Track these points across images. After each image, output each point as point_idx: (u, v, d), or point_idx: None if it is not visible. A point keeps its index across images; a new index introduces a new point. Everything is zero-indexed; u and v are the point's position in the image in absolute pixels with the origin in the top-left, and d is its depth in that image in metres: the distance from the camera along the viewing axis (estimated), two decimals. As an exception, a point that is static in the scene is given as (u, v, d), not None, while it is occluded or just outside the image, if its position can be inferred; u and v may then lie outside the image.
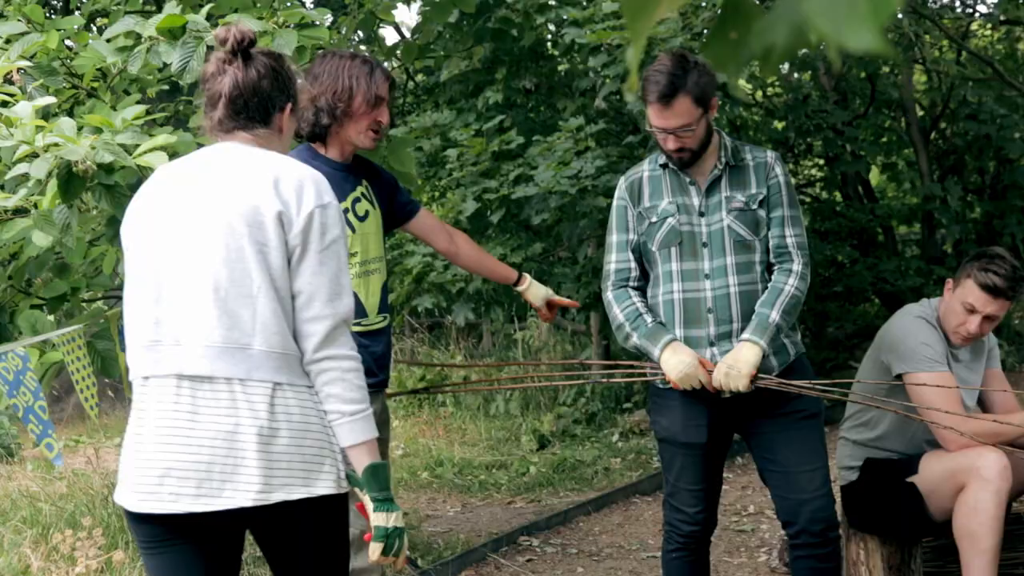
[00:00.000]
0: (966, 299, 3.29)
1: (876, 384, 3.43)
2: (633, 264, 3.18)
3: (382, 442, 3.12)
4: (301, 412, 2.14)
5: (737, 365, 2.97)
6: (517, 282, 3.48)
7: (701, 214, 3.12)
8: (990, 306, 3.27)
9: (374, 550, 2.18)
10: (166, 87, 4.44)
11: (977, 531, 3.12)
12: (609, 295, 3.19)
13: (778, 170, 3.16)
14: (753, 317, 3.06)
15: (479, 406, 7.97)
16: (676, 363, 3.00)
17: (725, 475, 5.47)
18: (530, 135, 7.13)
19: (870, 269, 9.26)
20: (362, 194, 3.14)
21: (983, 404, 3.51)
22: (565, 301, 3.56)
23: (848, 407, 3.59)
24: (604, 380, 3.48)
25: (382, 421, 3.17)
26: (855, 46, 0.57)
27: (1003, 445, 3.22)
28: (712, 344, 3.07)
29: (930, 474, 3.29)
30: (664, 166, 3.18)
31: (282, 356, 2.14)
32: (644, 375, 3.31)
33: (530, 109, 8.10)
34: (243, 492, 2.09)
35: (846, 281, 9.29)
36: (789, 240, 3.12)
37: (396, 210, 3.33)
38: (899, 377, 3.34)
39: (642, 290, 3.19)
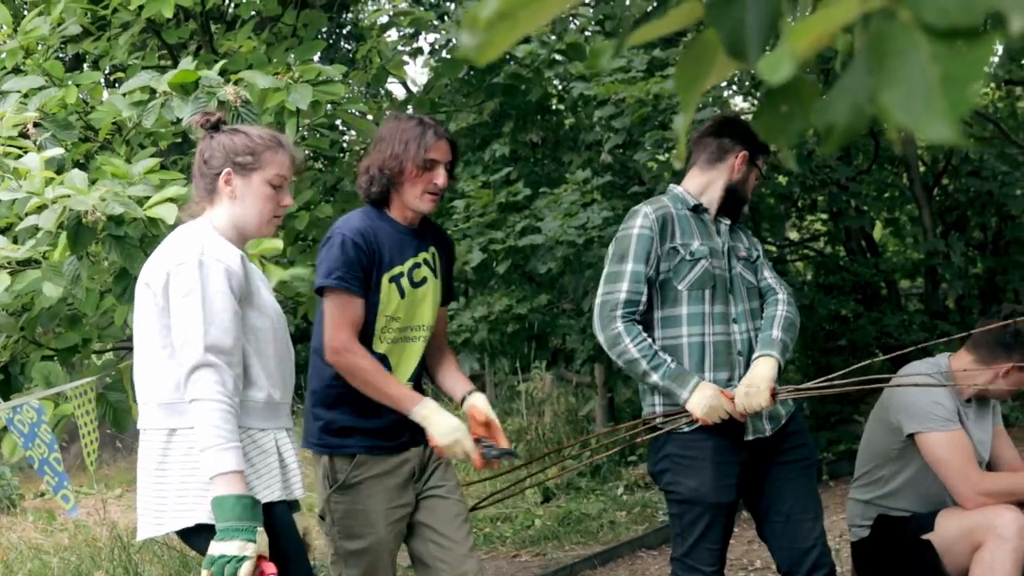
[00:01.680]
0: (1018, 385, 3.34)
1: (887, 447, 3.43)
2: (644, 298, 3.11)
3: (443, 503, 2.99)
4: (189, 453, 2.39)
5: (755, 382, 3.02)
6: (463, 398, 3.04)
7: (728, 258, 3.20)
8: None
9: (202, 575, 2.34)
10: (178, 140, 4.49)
11: (992, 590, 3.10)
12: (619, 326, 3.07)
13: (749, 232, 3.42)
14: (758, 341, 3.16)
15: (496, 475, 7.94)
16: (700, 399, 3.01)
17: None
18: (536, 188, 7.17)
19: (874, 323, 9.26)
20: (425, 260, 3.02)
21: (991, 462, 3.50)
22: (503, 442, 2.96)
23: (858, 465, 3.57)
24: (640, 440, 3.37)
25: (443, 480, 3.02)
26: (932, 138, 0.59)
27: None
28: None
29: (946, 532, 3.27)
30: (695, 208, 3.22)
31: (171, 405, 2.42)
32: (657, 428, 3.19)
33: (536, 162, 8.15)
34: (144, 524, 2.47)
35: (850, 335, 9.29)
36: (771, 279, 3.31)
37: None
38: (911, 437, 3.34)
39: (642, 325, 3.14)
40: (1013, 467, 3.50)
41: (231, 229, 2.58)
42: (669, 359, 3.07)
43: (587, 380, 8.73)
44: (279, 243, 3.40)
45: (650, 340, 3.09)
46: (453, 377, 3.10)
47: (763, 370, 3.05)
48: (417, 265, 2.98)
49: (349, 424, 2.90)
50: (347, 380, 2.82)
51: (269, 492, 2.45)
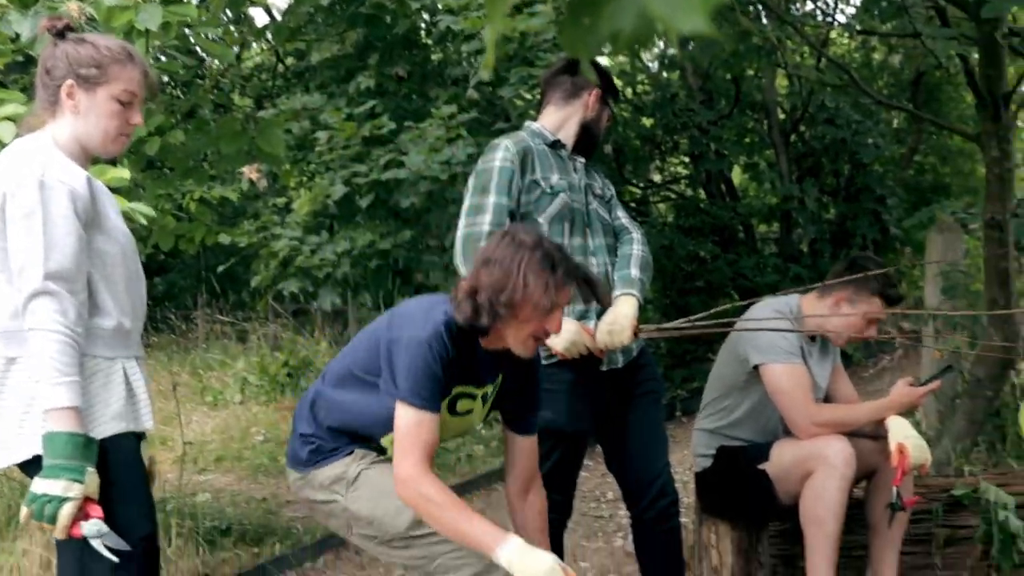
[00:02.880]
0: (871, 314, 3.45)
1: (734, 377, 3.54)
2: None
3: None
4: (29, 383, 2.24)
5: (618, 320, 3.07)
6: None
7: (584, 194, 3.25)
8: (884, 313, 3.48)
9: (22, 514, 2.21)
10: (19, 59, 4.27)
11: (822, 516, 3.25)
12: None
13: (602, 173, 3.48)
14: (616, 280, 3.20)
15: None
16: (562, 333, 3.00)
17: (586, 462, 5.57)
18: (401, 122, 7.10)
19: (730, 265, 9.54)
20: (483, 395, 2.62)
21: (828, 397, 3.65)
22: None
23: (705, 394, 3.69)
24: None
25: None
26: (687, 30, 0.60)
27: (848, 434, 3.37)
28: (598, 317, 3.15)
29: (780, 461, 3.41)
30: (553, 144, 3.26)
31: (10, 333, 2.28)
32: None
33: (402, 97, 8.08)
34: None
35: (707, 276, 9.55)
36: (624, 219, 3.38)
37: (510, 410, 2.74)
38: (756, 368, 3.45)
39: None
40: (849, 402, 3.66)
41: (74, 144, 2.42)
42: None
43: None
44: (126, 173, 3.26)
45: None
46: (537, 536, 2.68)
47: (625, 308, 3.10)
48: (469, 395, 2.59)
49: (343, 443, 2.61)
50: (415, 510, 2.44)
51: (115, 423, 2.33)
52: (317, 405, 2.66)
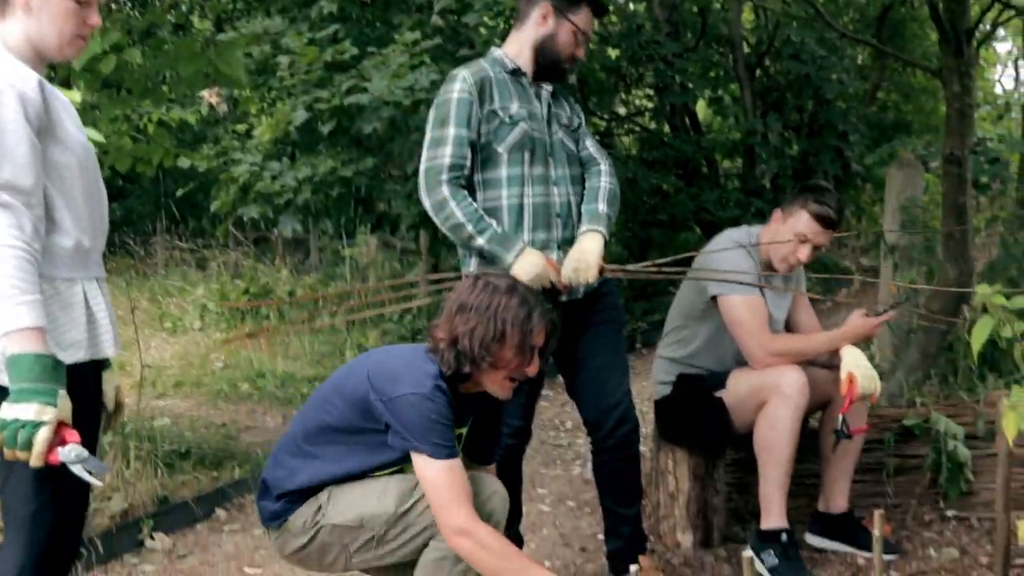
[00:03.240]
0: (799, 229, 3.43)
1: (693, 307, 3.57)
2: (468, 161, 3.12)
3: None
4: None
5: (584, 257, 3.07)
6: None
7: (548, 123, 3.21)
8: (821, 236, 3.44)
9: None
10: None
11: (775, 444, 3.30)
12: (445, 190, 3.07)
13: (573, 100, 3.43)
14: (583, 214, 3.20)
15: (303, 320, 7.90)
16: (526, 265, 3.01)
17: (546, 392, 5.62)
18: (364, 48, 7.01)
19: (693, 199, 9.57)
20: (459, 436, 2.68)
21: (790, 327, 3.69)
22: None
23: (667, 323, 3.71)
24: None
25: None
26: None
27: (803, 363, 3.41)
28: (559, 248, 3.15)
29: (736, 389, 3.45)
30: (514, 72, 3.22)
31: None
32: None
33: (366, 24, 7.96)
34: None
35: (670, 210, 9.57)
36: (592, 149, 3.37)
37: (476, 446, 2.83)
38: (714, 299, 3.48)
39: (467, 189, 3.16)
40: (810, 332, 3.68)
41: (26, 47, 2.24)
42: (494, 223, 3.08)
43: (412, 246, 8.74)
44: (76, 95, 3.16)
45: (475, 204, 3.10)
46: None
47: (591, 245, 3.09)
48: None
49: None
50: (470, 562, 2.47)
51: (73, 352, 2.19)
52: (288, 463, 2.66)
